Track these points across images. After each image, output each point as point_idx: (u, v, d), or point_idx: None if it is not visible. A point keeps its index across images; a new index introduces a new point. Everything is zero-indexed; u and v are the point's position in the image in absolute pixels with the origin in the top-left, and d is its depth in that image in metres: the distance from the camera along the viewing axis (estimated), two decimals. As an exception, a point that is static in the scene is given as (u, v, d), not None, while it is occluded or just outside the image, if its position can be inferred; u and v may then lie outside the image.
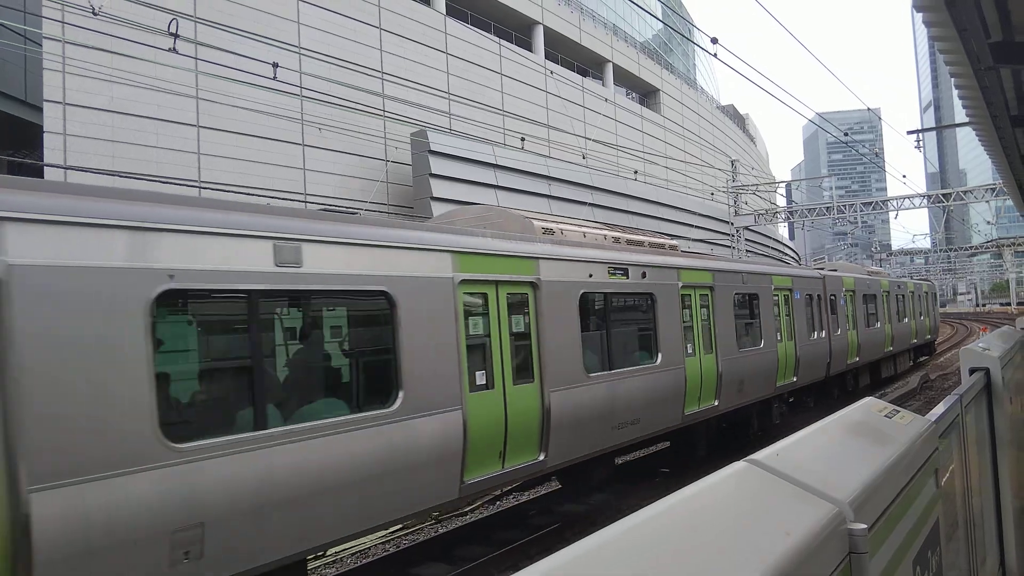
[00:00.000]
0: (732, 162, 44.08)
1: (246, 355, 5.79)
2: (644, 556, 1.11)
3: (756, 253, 50.71)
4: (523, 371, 8.31)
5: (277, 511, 5.56)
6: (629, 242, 11.73)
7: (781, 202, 55.62)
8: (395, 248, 6.93)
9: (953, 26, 6.91)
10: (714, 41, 14.54)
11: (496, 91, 36.25)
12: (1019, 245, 71.76)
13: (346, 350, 7.03)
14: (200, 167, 24.47)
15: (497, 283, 8.07)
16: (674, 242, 13.45)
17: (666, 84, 55.35)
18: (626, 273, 10.42)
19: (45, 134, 21.56)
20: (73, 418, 4.51)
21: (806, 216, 42.88)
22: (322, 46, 26.33)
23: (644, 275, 10.78)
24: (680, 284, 11.60)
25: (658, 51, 59.93)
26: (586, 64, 46.58)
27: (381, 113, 25.75)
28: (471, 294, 7.79)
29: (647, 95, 54.09)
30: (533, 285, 8.57)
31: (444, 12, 34.54)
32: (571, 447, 8.91)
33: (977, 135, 12.04)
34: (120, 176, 19.50)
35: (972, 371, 4.62)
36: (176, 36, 12.90)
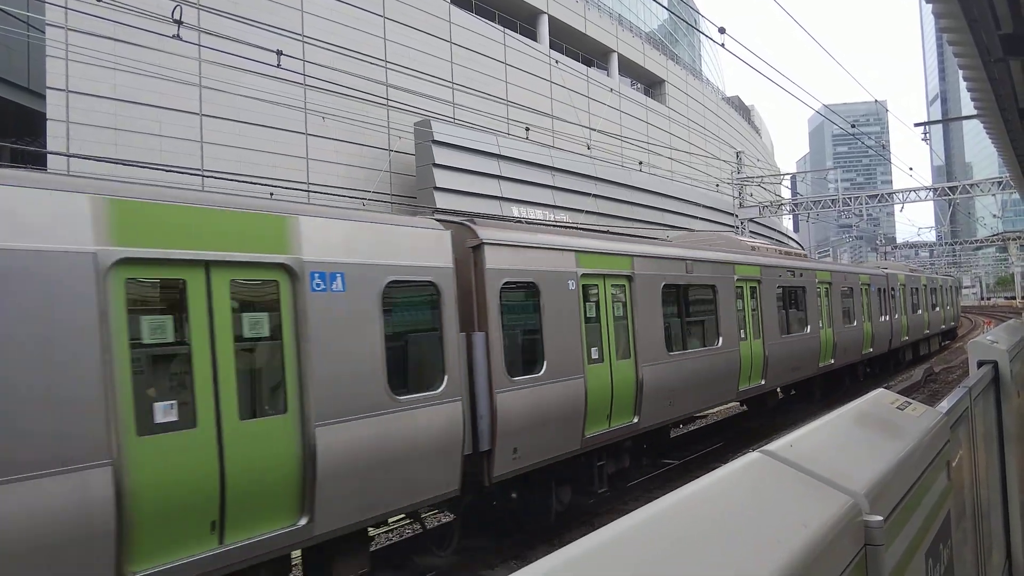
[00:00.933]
0: (737, 154, 43.93)
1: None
2: (660, 546, 1.09)
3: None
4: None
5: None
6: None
7: (786, 194, 55.44)
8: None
9: (963, 17, 6.85)
10: (722, 31, 14.44)
11: (500, 81, 36.11)
12: (1024, 239, 71.49)
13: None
14: (203, 155, 24.43)
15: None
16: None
17: (671, 75, 55.08)
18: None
19: (48, 121, 21.53)
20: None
21: (811, 208, 42.76)
22: (326, 34, 26.21)
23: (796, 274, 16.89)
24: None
25: (664, 41, 59.61)
26: (591, 54, 46.35)
27: (385, 102, 25.67)
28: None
29: (652, 86, 53.85)
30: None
31: (449, 1, 34.37)
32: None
33: (985, 128, 11.96)
34: (123, 164, 19.48)
35: (980, 364, 4.59)
36: (180, 23, 12.84)
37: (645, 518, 1.15)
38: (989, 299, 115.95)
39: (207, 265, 5.41)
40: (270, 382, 5.91)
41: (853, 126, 31.43)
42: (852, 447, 1.83)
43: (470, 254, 7.95)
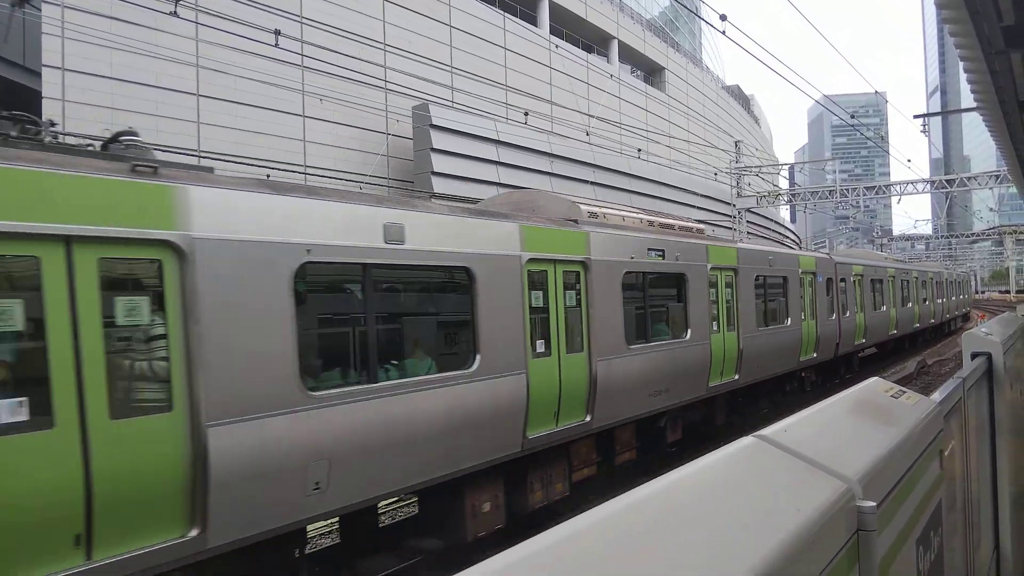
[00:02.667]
0: (736, 143, 43.83)
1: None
2: (650, 527, 1.09)
3: (757, 236, 50.58)
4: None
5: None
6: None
7: (784, 184, 55.39)
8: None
9: (965, 8, 6.82)
10: (723, 18, 14.37)
11: (500, 66, 35.89)
12: (1020, 233, 71.62)
13: None
14: (200, 136, 24.29)
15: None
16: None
17: (672, 62, 54.84)
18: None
19: (43, 100, 21.35)
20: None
21: (808, 199, 42.73)
22: (324, 15, 26.01)
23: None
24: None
25: (664, 28, 59.30)
26: (591, 40, 46.09)
27: (383, 85, 25.52)
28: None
29: (652, 73, 53.61)
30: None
31: (449, -16, 34.10)
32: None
33: (984, 120, 11.95)
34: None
35: (974, 356, 4.61)
36: (177, 0, 12.72)
37: (636, 500, 1.15)
38: (983, 292, 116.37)
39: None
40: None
41: (852, 117, 31.38)
42: (846, 433, 1.83)
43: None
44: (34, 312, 4.60)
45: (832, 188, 41.40)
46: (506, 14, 36.79)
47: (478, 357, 7.74)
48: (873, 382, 2.47)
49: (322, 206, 6.42)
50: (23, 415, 4.45)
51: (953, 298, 40.46)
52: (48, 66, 21.36)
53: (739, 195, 40.84)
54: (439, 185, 28.63)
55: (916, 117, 21.11)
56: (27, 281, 4.67)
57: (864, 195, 40.59)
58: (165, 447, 5.13)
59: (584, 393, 9.31)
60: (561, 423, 8.97)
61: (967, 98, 10.93)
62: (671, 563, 1.00)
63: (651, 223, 12.20)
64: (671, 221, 13.14)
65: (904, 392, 2.44)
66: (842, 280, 19.90)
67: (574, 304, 9.31)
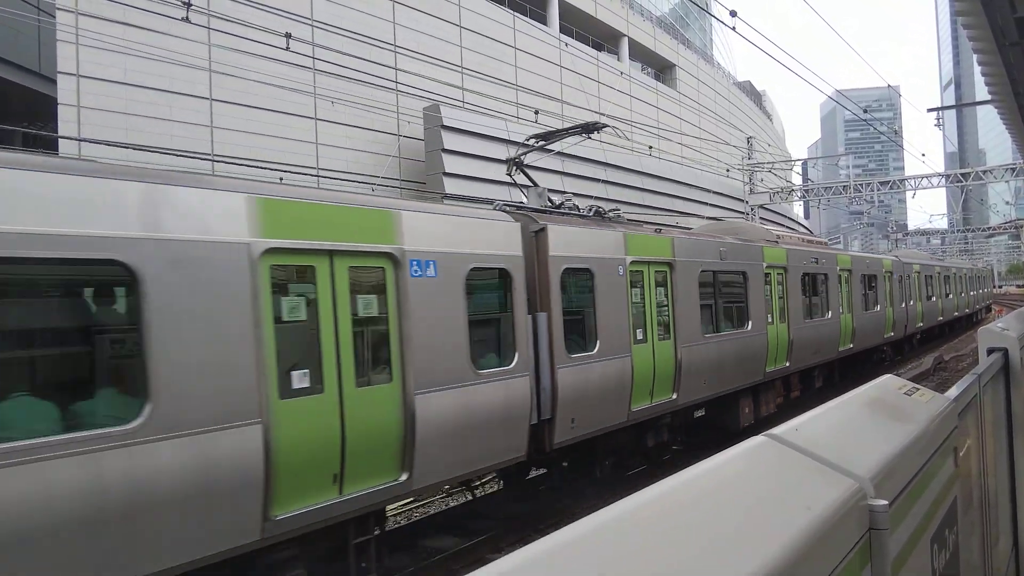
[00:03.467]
0: (748, 139, 43.60)
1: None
2: (663, 526, 1.10)
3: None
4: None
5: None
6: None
7: (797, 180, 55.06)
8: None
9: (978, 0, 6.77)
10: (733, 14, 14.30)
11: (510, 65, 35.90)
12: (1037, 226, 70.82)
13: None
14: (213, 140, 24.47)
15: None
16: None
17: (682, 59, 54.61)
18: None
19: (59, 106, 21.58)
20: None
21: (822, 195, 42.46)
22: (335, 18, 26.13)
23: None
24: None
25: (675, 25, 59.05)
26: (601, 38, 45.99)
27: (394, 87, 25.60)
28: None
29: (663, 70, 53.42)
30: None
31: (458, -16, 34.14)
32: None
33: (999, 113, 11.84)
34: (134, 149, 19.53)
35: (990, 351, 4.56)
36: (189, 5, 12.82)
37: (648, 499, 1.16)
38: (1000, 287, 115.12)
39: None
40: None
41: (865, 111, 31.14)
42: (858, 432, 1.82)
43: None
44: (642, 294, 8.26)
45: (846, 183, 41.13)
46: (516, 13, 36.78)
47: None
48: (886, 379, 2.46)
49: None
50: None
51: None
52: (63, 73, 21.59)
53: (752, 191, 40.64)
54: (451, 186, 28.69)
55: (930, 111, 20.98)
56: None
57: (878, 190, 40.29)
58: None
59: (785, 348, 12.11)
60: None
61: (982, 90, 10.83)
62: (681, 561, 1.01)
63: (802, 239, 15.65)
64: (809, 238, 17.31)
65: (918, 389, 2.43)
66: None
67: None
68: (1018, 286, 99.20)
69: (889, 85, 30.16)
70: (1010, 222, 77.07)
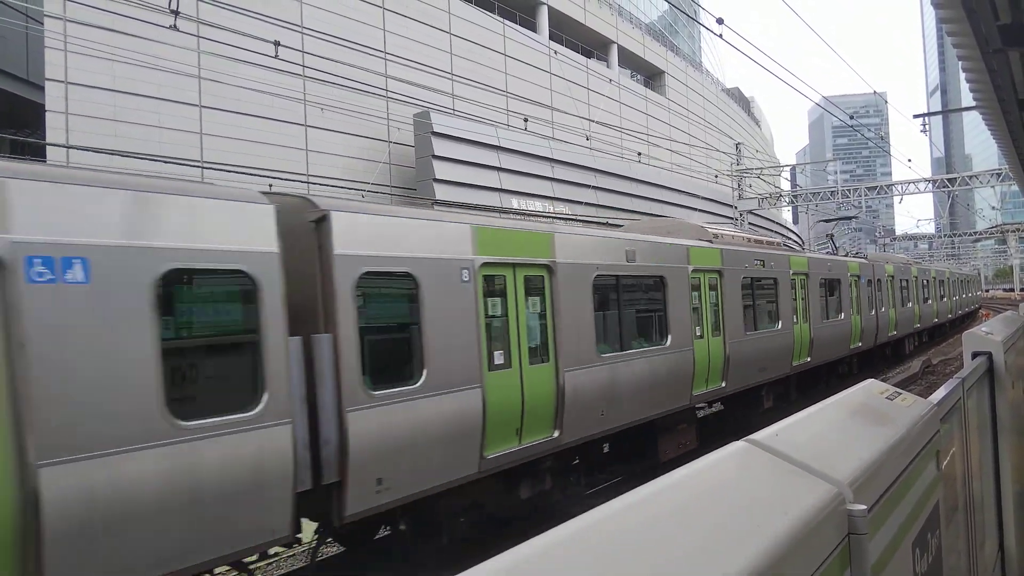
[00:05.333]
0: (736, 145, 43.82)
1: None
2: (640, 533, 1.10)
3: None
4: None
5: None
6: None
7: (785, 186, 55.34)
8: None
9: (962, 7, 6.83)
10: (720, 21, 14.39)
11: (500, 72, 35.99)
12: (1023, 230, 71.36)
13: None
14: (203, 147, 24.39)
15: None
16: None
17: (671, 66, 54.91)
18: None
19: (47, 113, 21.48)
20: None
21: (810, 200, 42.69)
22: (325, 25, 26.11)
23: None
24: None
25: (664, 32, 59.39)
26: (591, 45, 46.19)
27: (384, 94, 25.59)
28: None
29: (652, 77, 53.68)
30: None
31: (448, -8, 34.22)
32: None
33: (984, 119, 11.93)
34: (122, 156, 19.45)
35: (975, 355, 4.60)
36: (176, 13, 12.80)
37: (624, 504, 1.17)
38: (987, 291, 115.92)
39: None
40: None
41: (852, 117, 31.37)
42: (839, 437, 1.84)
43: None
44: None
45: (834, 189, 41.36)
46: (505, 21, 36.90)
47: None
48: (868, 384, 2.47)
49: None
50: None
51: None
52: (51, 80, 21.49)
53: (740, 197, 40.81)
54: (441, 192, 28.70)
55: (916, 117, 21.13)
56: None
57: (866, 195, 40.55)
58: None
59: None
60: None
61: (967, 97, 10.93)
62: (658, 568, 1.02)
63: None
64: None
65: (900, 394, 2.44)
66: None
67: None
68: (1005, 290, 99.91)
69: (876, 91, 30.43)
70: (996, 227, 77.65)
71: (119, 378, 4.89)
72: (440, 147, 29.49)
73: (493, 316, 8.13)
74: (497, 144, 31.94)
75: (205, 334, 5.88)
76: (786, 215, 77.84)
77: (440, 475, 7.26)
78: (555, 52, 38.68)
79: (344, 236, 6.49)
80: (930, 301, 31.27)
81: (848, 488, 1.46)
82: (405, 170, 30.75)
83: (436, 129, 29.28)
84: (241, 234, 5.71)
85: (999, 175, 36.31)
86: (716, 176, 43.96)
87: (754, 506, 1.29)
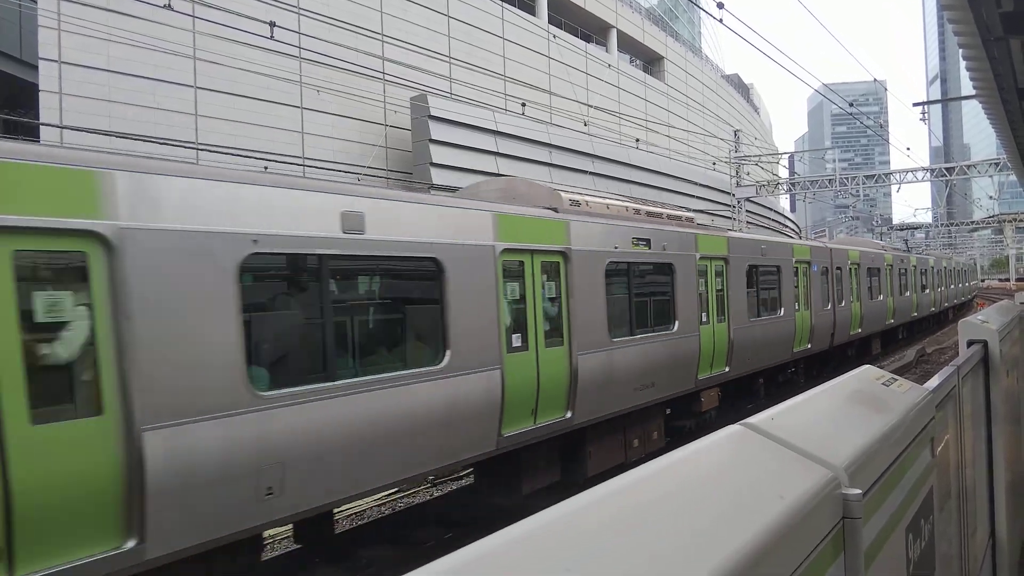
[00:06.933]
0: (735, 132, 43.71)
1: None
2: (634, 517, 1.09)
3: (757, 225, 50.53)
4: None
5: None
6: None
7: (783, 174, 55.31)
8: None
9: (964, -6, 6.78)
10: (720, 6, 14.30)
11: (498, 56, 35.77)
12: (1020, 221, 71.41)
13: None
14: (197, 128, 24.24)
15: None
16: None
17: (671, 51, 54.64)
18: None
19: (41, 93, 21.30)
20: None
21: (808, 188, 42.64)
22: (321, 6, 25.90)
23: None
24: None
25: (663, 17, 59.06)
26: (590, 30, 45.91)
27: (381, 76, 25.44)
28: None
29: (651, 62, 53.43)
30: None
31: (446, -26, 33.93)
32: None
33: (983, 108, 11.90)
34: (116, 136, 19.32)
35: (970, 343, 4.61)
36: (172, -7, 12.67)
37: (618, 487, 1.15)
38: (983, 280, 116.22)
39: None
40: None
41: (851, 105, 31.28)
42: (835, 422, 1.83)
43: None
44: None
45: (832, 177, 41.29)
46: (504, 4, 36.64)
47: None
48: (864, 370, 2.47)
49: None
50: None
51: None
52: (45, 59, 21.30)
53: (738, 184, 40.76)
54: (438, 176, 28.59)
55: (916, 105, 21.08)
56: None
57: (864, 184, 40.51)
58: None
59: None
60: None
61: (967, 86, 10.88)
62: (652, 551, 1.00)
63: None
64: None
65: (896, 380, 2.44)
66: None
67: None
68: (1000, 280, 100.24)
69: (876, 79, 30.32)
70: (993, 217, 77.69)
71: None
72: (437, 131, 29.35)
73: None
74: (495, 129, 31.79)
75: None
76: (784, 203, 77.82)
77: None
78: (554, 36, 38.44)
79: None
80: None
81: (843, 472, 1.45)
82: (402, 154, 30.62)
83: (433, 113, 29.12)
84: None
85: (997, 165, 36.29)
86: (714, 163, 43.89)
87: (749, 490, 1.28)
